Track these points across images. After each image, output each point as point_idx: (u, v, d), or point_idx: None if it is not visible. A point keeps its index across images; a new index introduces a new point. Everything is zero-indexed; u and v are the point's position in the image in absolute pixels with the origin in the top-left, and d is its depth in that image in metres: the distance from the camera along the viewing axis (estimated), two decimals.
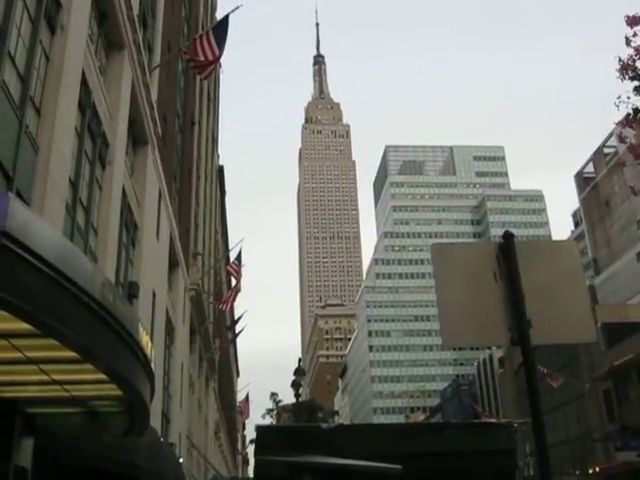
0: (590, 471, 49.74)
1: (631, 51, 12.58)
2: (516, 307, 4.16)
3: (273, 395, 30.63)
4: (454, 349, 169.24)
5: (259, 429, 7.50)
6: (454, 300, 4.31)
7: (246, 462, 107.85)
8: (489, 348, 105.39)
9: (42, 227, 6.48)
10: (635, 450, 41.79)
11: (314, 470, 7.20)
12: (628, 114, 13.00)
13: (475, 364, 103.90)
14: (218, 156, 61.79)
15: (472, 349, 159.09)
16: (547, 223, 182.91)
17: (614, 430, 48.59)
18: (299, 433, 7.69)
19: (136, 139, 22.45)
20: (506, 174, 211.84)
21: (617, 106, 12.85)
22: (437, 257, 4.49)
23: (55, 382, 8.73)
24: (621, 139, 15.24)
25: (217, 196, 59.93)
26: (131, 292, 19.07)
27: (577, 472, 51.11)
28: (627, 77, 12.65)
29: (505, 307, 4.21)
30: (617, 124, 13.64)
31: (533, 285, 4.23)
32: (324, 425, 7.71)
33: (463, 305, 4.27)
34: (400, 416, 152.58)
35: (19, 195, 10.60)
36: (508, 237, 4.34)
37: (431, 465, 7.02)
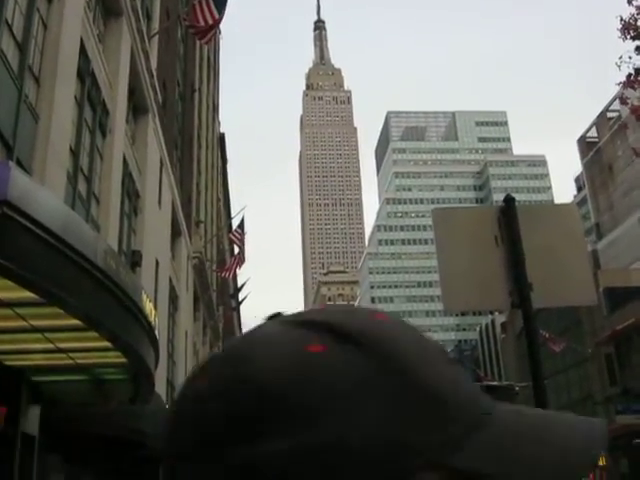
0: None
1: (633, 10, 12.46)
2: (517, 271, 4.16)
3: None
4: (456, 315, 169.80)
5: None
6: (455, 265, 4.31)
7: None
8: (491, 313, 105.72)
9: (44, 196, 6.48)
10: (636, 413, 42.10)
11: None
12: (629, 74, 12.90)
13: (477, 329, 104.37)
14: (219, 124, 61.47)
15: (474, 314, 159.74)
16: (550, 188, 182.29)
17: (615, 394, 48.88)
18: None
19: (136, 107, 22.33)
20: (508, 139, 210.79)
21: (618, 66, 12.76)
22: (438, 221, 4.48)
23: (60, 350, 8.81)
24: (622, 100, 15.13)
25: (218, 164, 59.73)
26: (134, 260, 19.12)
27: None
28: (629, 37, 12.54)
29: (506, 271, 4.22)
30: (619, 85, 13.53)
31: (534, 249, 4.23)
32: None
33: (464, 269, 4.27)
34: None
35: (20, 164, 10.57)
36: (509, 201, 4.33)
37: None
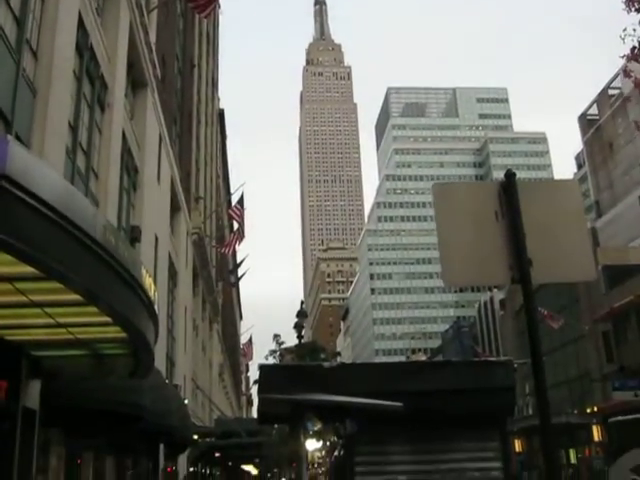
0: (588, 410, 50.51)
1: None
2: (517, 246, 4.16)
3: (276, 337, 31.21)
4: (455, 291, 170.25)
5: (262, 368, 7.61)
6: (455, 239, 4.31)
7: (250, 403, 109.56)
8: (490, 290, 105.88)
9: (42, 170, 6.45)
10: (632, 390, 42.37)
11: (316, 407, 7.34)
12: (634, 47, 12.80)
13: (476, 306, 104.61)
14: (218, 99, 61.16)
15: (473, 291, 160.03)
16: (550, 166, 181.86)
17: (612, 371, 49.14)
18: (302, 372, 7.79)
19: (135, 82, 22.20)
20: (509, 116, 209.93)
21: (623, 39, 12.65)
22: (438, 196, 4.47)
23: (60, 325, 8.82)
24: (626, 73, 15.01)
25: (218, 140, 59.54)
26: (133, 236, 19.11)
27: (575, 411, 51.87)
28: (633, 9, 12.42)
29: (506, 246, 4.21)
30: (623, 57, 13.42)
31: (534, 224, 4.23)
32: (326, 364, 7.82)
33: (464, 244, 4.27)
34: (402, 357, 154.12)
35: (18, 139, 10.53)
36: (509, 176, 4.32)
37: (432, 402, 7.15)
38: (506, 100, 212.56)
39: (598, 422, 46.42)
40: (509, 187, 4.30)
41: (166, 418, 16.83)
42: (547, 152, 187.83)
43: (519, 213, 4.21)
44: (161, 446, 23.62)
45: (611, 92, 61.93)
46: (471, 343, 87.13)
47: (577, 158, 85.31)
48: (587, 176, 67.65)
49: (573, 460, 49.39)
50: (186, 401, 26.56)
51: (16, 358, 10.30)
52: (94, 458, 16.23)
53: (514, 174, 4.33)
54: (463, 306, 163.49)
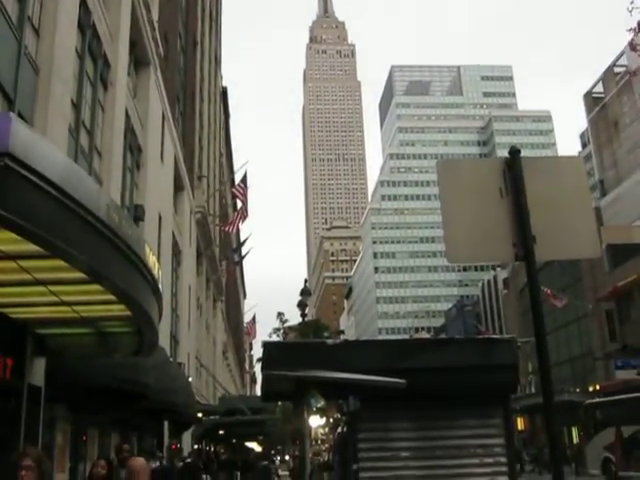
0: (590, 389, 50.72)
1: None
2: (521, 223, 4.14)
3: (279, 315, 31.33)
4: (458, 270, 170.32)
5: (266, 345, 7.63)
6: (459, 216, 4.29)
7: (254, 381, 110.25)
8: (493, 269, 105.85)
9: (45, 148, 6.42)
10: (635, 368, 42.48)
11: (320, 384, 7.36)
12: None
13: (479, 285, 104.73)
14: (221, 77, 60.86)
15: (477, 270, 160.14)
16: (554, 144, 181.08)
17: (615, 349, 49.27)
18: (305, 349, 7.82)
19: (137, 60, 22.10)
20: (514, 94, 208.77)
21: (630, 12, 12.52)
22: (443, 173, 4.45)
23: (64, 303, 8.84)
24: (633, 47, 14.85)
25: (221, 118, 59.33)
26: (137, 215, 19.12)
27: (577, 390, 52.08)
28: None
29: (510, 223, 4.20)
30: (629, 31, 13.28)
31: (538, 201, 4.21)
32: (329, 341, 7.83)
33: (468, 221, 4.25)
34: (405, 336, 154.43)
35: (21, 117, 10.49)
36: (514, 153, 4.29)
37: (435, 379, 7.18)
38: (511, 78, 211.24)
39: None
40: (513, 164, 4.27)
41: (170, 396, 16.92)
42: (552, 131, 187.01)
43: (523, 190, 4.19)
44: (165, 423, 23.78)
45: (617, 70, 61.50)
46: (474, 322, 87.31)
47: (582, 137, 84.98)
48: (591, 155, 67.36)
49: (575, 438, 49.61)
50: (190, 379, 26.71)
51: (21, 336, 10.35)
52: (99, 435, 16.35)
53: (519, 150, 4.31)
54: (466, 285, 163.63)
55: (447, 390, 7.25)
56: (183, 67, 34.20)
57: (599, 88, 66.07)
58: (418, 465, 7.37)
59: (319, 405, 8.82)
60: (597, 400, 33.08)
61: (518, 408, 50.16)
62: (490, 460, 7.40)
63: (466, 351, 7.35)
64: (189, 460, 21.27)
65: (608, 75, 63.23)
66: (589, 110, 67.37)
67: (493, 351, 7.35)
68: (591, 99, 67.16)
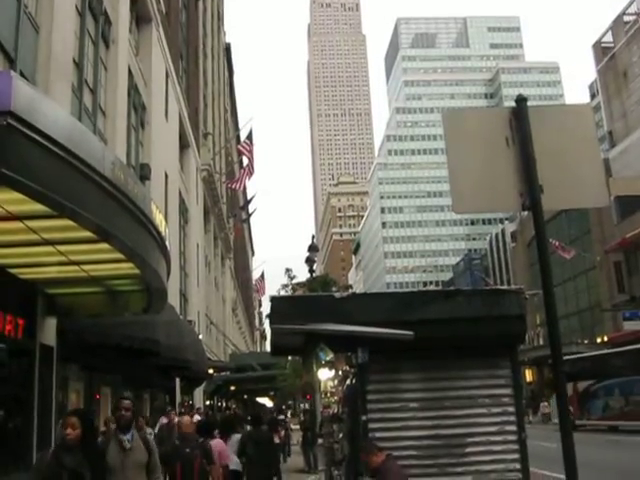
0: (598, 340, 50.97)
1: None
2: (528, 172, 4.10)
3: (287, 271, 31.32)
4: (466, 224, 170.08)
5: (273, 300, 7.65)
6: (465, 166, 4.24)
7: (264, 338, 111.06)
8: (501, 222, 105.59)
9: (49, 106, 6.37)
10: None
11: (328, 337, 7.41)
12: None
13: (487, 239, 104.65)
14: (224, 33, 60.14)
15: (484, 223, 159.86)
16: (562, 96, 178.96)
17: (623, 301, 49.35)
18: (313, 302, 7.83)
19: (139, 17, 21.84)
20: (521, 45, 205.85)
21: None
22: (448, 123, 4.39)
23: (72, 262, 8.87)
24: None
25: (225, 75, 58.79)
26: (143, 174, 19.08)
27: (585, 341, 52.35)
28: None
29: (517, 173, 4.15)
30: None
31: (545, 150, 4.16)
32: (337, 294, 7.84)
33: (474, 171, 4.20)
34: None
35: (23, 77, 10.41)
36: (520, 101, 4.24)
37: (443, 330, 7.21)
38: (518, 29, 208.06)
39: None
40: (520, 112, 4.21)
41: (181, 353, 17.09)
42: (559, 82, 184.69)
43: (530, 139, 4.14)
44: (177, 380, 24.07)
45: (626, 19, 60.43)
46: (482, 275, 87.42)
47: (590, 87, 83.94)
48: (600, 106, 66.55)
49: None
50: (200, 336, 26.94)
51: (31, 296, 10.43)
52: (112, 393, 16.57)
53: (525, 99, 4.25)
54: (474, 239, 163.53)
55: (455, 341, 7.28)
56: (185, 23, 33.79)
57: (608, 38, 64.98)
58: (426, 415, 7.43)
59: (328, 358, 8.88)
60: (573, 357, 35.54)
61: (526, 360, 50.50)
62: (498, 410, 7.45)
63: (474, 302, 7.35)
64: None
65: (617, 24, 62.11)
66: (598, 60, 66.33)
67: (500, 302, 7.35)
68: (600, 49, 66.08)
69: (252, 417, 13.32)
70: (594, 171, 4.31)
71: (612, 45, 63.32)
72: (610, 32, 64.11)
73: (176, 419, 13.47)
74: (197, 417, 18.12)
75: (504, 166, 4.18)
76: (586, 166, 4.27)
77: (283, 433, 25.93)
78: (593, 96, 79.98)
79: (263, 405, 55.86)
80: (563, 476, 4.13)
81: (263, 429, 12.46)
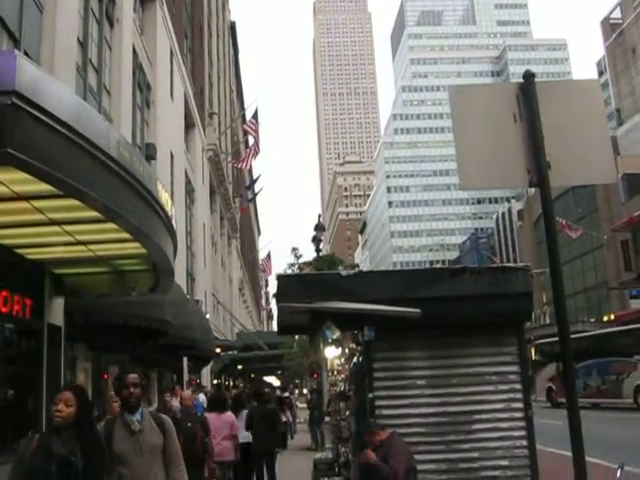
0: (605, 319, 51.01)
1: None
2: (535, 148, 4.07)
3: (294, 250, 31.29)
4: (473, 203, 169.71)
5: (280, 278, 7.66)
6: (472, 142, 4.21)
7: (271, 317, 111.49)
8: (508, 201, 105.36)
9: (53, 85, 6.35)
10: None
11: (335, 315, 7.41)
12: None
13: (494, 217, 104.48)
14: (229, 12, 59.79)
15: (491, 202, 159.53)
16: (570, 73, 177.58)
17: (630, 279, 49.33)
18: (319, 280, 7.82)
19: None
20: (528, 22, 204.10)
21: None
22: (455, 99, 4.36)
23: (79, 242, 8.88)
24: None
25: (230, 54, 58.52)
26: (148, 153, 19.03)
27: (592, 320, 52.39)
28: None
29: (524, 149, 4.13)
30: None
31: (553, 126, 4.12)
32: (343, 272, 7.85)
33: (481, 147, 4.17)
34: None
35: (27, 56, 10.36)
36: (528, 76, 4.20)
37: (450, 308, 7.21)
38: (525, 5, 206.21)
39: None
40: (527, 88, 4.18)
41: (188, 332, 17.17)
42: (567, 59, 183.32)
43: (537, 114, 4.11)
44: (185, 359, 24.19)
45: None
46: (489, 254, 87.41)
47: (598, 65, 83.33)
48: (608, 83, 66.09)
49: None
50: (208, 316, 27.04)
51: (38, 276, 10.46)
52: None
53: (533, 74, 4.21)
54: (481, 218, 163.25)
55: (462, 318, 7.28)
56: (190, 2, 33.58)
57: (617, 14, 64.40)
58: (433, 393, 7.45)
59: (334, 336, 8.91)
60: (542, 341, 38.65)
61: (532, 338, 50.64)
62: (505, 387, 7.47)
63: (480, 279, 7.34)
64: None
65: (626, 0, 61.54)
66: (606, 37, 65.83)
67: (507, 279, 7.34)
68: (608, 25, 65.56)
69: (255, 393, 13.80)
70: (602, 147, 4.28)
71: (621, 21, 62.81)
72: (619, 8, 63.57)
73: (179, 394, 13.89)
74: (202, 396, 18.26)
75: (511, 142, 4.15)
76: (594, 142, 4.24)
77: (289, 413, 26.20)
78: (601, 73, 79.41)
79: (270, 384, 56.16)
80: (569, 453, 4.14)
81: (268, 406, 13.28)
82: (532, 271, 7.67)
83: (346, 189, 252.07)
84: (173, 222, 10.08)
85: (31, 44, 11.19)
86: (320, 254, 28.20)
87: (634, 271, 49.68)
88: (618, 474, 6.15)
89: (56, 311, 11.23)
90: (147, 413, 5.42)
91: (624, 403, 28.14)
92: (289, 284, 7.71)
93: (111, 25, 16.88)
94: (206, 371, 31.06)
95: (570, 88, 4.50)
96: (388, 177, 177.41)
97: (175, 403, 15.69)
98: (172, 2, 25.53)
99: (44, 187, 6.43)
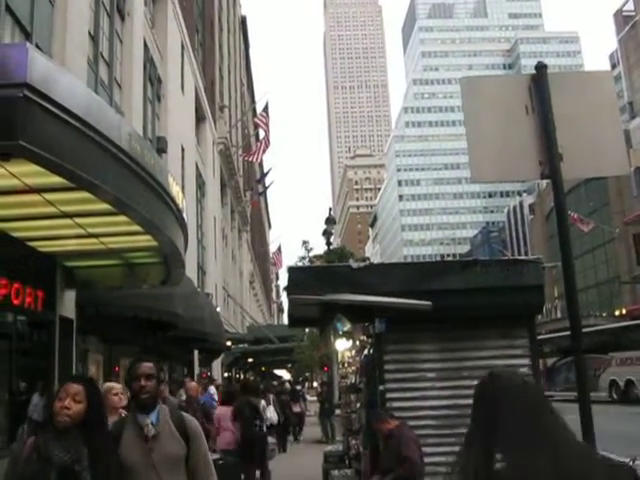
0: (617, 313, 50.78)
1: None
2: (547, 140, 4.04)
3: (304, 243, 31.32)
4: (484, 196, 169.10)
5: (291, 270, 7.66)
6: (484, 134, 4.19)
7: (281, 310, 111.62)
8: (519, 195, 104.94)
9: (64, 78, 6.36)
10: None
11: (345, 308, 7.42)
12: None
13: (505, 211, 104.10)
14: (240, 6, 59.74)
15: (502, 196, 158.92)
16: (582, 66, 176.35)
17: None
18: (330, 273, 7.82)
19: None
20: (540, 15, 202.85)
21: None
22: (467, 90, 4.33)
23: (91, 235, 8.92)
24: None
25: (241, 48, 58.48)
26: (159, 147, 19.07)
27: (604, 314, 52.18)
28: None
29: (536, 141, 4.10)
30: None
31: (565, 117, 4.09)
32: (354, 264, 7.84)
33: (493, 139, 4.15)
34: None
35: (39, 50, 10.39)
36: (540, 68, 4.16)
37: (461, 300, 7.20)
38: None
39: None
40: (540, 79, 4.15)
41: (199, 324, 17.22)
42: (579, 52, 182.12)
43: (550, 106, 4.08)
44: (195, 352, 24.27)
45: None
46: (500, 248, 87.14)
47: (611, 57, 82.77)
48: (621, 76, 65.65)
49: None
50: (218, 309, 27.10)
51: (50, 269, 10.51)
52: None
53: (545, 66, 4.17)
54: (492, 211, 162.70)
55: (473, 311, 7.27)
56: None
57: (630, 6, 63.95)
58: (444, 385, 7.45)
59: (345, 329, 8.92)
60: (548, 336, 38.93)
61: (544, 332, 50.48)
62: None
63: (492, 272, 7.32)
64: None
65: None
66: (619, 29, 65.39)
67: (519, 272, 7.32)
68: (621, 17, 65.11)
69: (243, 386, 13.93)
70: (614, 139, 4.24)
71: (634, 14, 62.31)
72: (632, 0, 63.06)
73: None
74: (212, 388, 18.36)
75: (523, 134, 4.13)
76: (606, 134, 4.21)
77: (303, 405, 26.35)
78: (614, 66, 78.88)
79: (280, 377, 56.26)
80: None
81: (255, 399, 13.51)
82: (544, 264, 7.64)
83: (357, 182, 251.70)
84: (184, 215, 10.10)
85: (42, 38, 11.22)
86: (331, 247, 28.18)
87: None
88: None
89: (68, 304, 11.28)
90: (166, 413, 4.17)
91: (599, 397, 29.35)
92: (300, 276, 7.71)
93: (122, 18, 16.91)
94: (217, 364, 31.15)
95: (582, 79, 4.47)
96: (399, 170, 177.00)
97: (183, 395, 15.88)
98: None
99: (56, 180, 6.45)
